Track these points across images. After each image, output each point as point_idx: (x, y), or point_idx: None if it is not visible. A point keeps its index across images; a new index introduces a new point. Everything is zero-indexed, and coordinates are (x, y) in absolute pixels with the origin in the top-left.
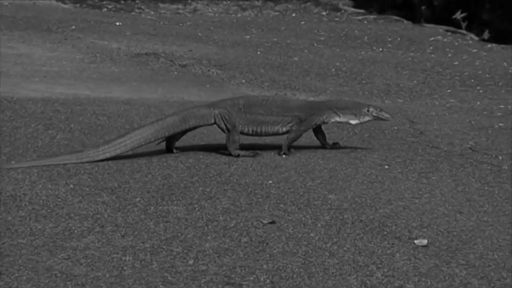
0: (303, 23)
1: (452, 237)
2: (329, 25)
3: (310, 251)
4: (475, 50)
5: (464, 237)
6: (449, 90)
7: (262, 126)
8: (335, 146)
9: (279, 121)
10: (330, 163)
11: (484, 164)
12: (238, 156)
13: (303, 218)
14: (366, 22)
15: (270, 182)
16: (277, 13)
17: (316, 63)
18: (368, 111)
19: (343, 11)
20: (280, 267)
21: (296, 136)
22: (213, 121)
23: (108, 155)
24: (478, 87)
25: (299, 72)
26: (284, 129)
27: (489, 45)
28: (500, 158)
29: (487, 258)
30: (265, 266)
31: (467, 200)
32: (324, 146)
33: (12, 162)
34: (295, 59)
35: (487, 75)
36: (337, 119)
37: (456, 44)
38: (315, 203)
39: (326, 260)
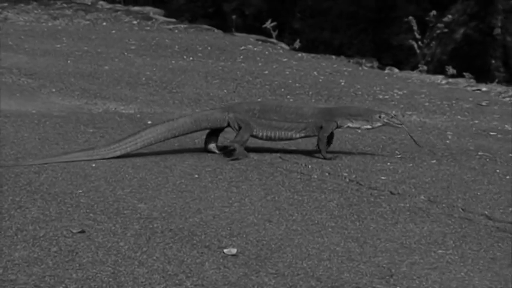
0: (113, 31)
1: (262, 246)
2: (140, 34)
3: (120, 260)
4: (285, 59)
5: (273, 246)
6: (259, 99)
7: (276, 132)
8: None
9: (293, 127)
10: (140, 172)
11: (294, 173)
12: (234, 149)
13: (113, 227)
14: (176, 31)
15: (80, 191)
16: (88, 22)
17: (126, 72)
18: (380, 117)
19: (154, 20)
20: (90, 277)
21: (324, 144)
22: (226, 124)
23: (118, 153)
24: (288, 96)
25: (109, 81)
26: (298, 135)
27: (300, 54)
28: (309, 166)
29: (296, 267)
30: (74, 275)
31: (277, 208)
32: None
33: (20, 160)
34: (106, 67)
35: (297, 84)
36: (350, 124)
37: (267, 53)
38: (125, 212)
39: (135, 269)
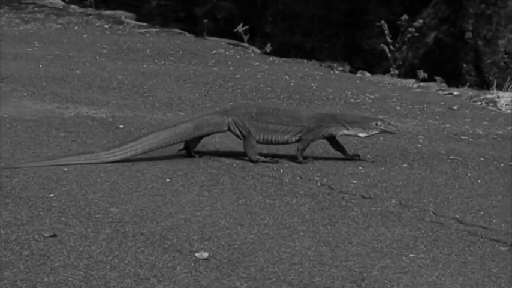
0: (85, 35)
1: (233, 250)
2: (111, 38)
3: (91, 264)
4: (257, 63)
5: (245, 250)
6: (231, 103)
7: (272, 135)
8: (355, 157)
9: (289, 130)
10: (112, 176)
11: (266, 177)
12: (257, 161)
13: (84, 231)
14: (148, 35)
15: (52, 195)
16: (59, 26)
17: (98, 76)
18: (376, 125)
19: (125, 24)
20: (61, 281)
21: (304, 146)
22: (226, 128)
23: (117, 158)
24: (260, 100)
25: (81, 85)
26: (293, 138)
27: (271, 58)
28: (281, 171)
29: (268, 271)
30: (45, 280)
31: (249, 212)
32: (345, 157)
33: (22, 162)
34: (78, 71)
35: (268, 88)
36: (346, 131)
37: (238, 57)
38: (96, 216)
39: (107, 273)
